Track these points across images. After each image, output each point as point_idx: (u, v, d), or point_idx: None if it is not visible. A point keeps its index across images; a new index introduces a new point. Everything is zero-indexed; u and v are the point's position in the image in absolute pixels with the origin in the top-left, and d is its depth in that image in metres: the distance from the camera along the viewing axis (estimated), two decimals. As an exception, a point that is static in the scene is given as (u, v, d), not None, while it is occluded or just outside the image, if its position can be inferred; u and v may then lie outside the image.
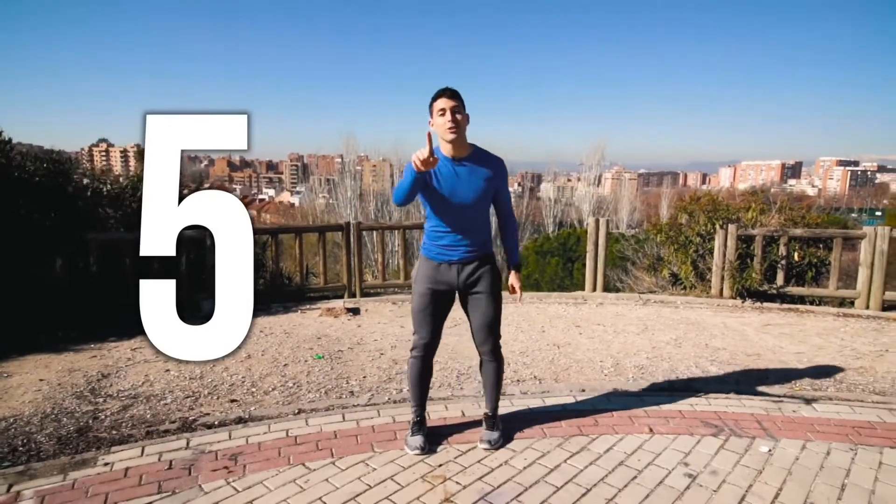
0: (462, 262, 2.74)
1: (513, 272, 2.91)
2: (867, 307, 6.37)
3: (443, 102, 2.56)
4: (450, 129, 2.54)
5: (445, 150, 2.63)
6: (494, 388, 2.96)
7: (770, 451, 2.87)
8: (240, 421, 3.30)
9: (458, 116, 2.56)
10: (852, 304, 6.56)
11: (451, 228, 2.72)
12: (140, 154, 7.95)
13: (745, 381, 4.03)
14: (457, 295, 2.86)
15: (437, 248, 2.76)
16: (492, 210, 2.88)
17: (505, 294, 3.00)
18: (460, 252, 2.73)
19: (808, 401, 3.55)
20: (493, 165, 2.70)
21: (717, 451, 2.86)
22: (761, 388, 3.85)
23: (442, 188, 2.63)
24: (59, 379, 4.07)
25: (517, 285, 2.90)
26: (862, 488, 2.54)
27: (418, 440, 2.87)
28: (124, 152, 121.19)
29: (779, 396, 3.64)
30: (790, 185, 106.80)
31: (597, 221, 7.42)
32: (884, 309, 6.32)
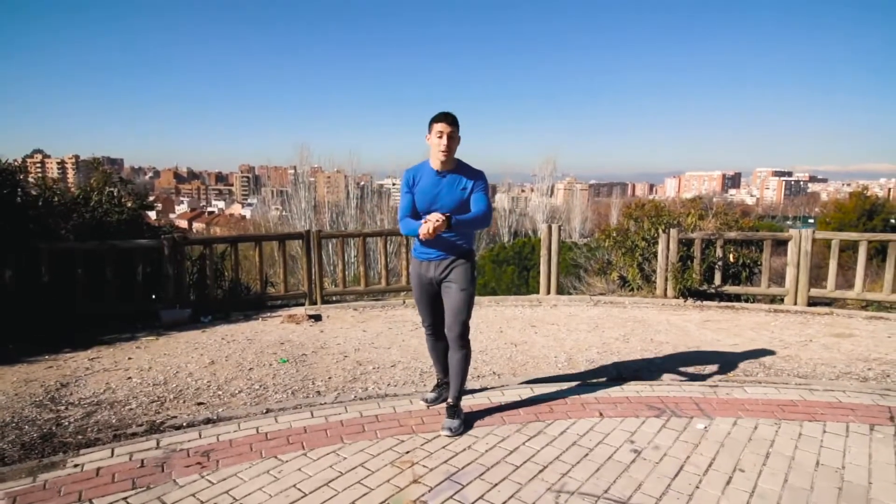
0: (439, 259, 3.13)
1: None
2: (795, 303, 6.95)
3: (442, 126, 2.98)
4: (442, 151, 2.99)
5: (434, 164, 3.08)
6: (458, 375, 3.17)
7: (706, 427, 3.18)
8: (209, 421, 3.36)
9: (452, 141, 3.00)
10: (782, 300, 7.13)
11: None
12: (81, 165, 7.77)
13: (685, 370, 4.38)
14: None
15: (421, 247, 3.17)
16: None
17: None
18: (437, 250, 3.11)
19: (740, 384, 3.91)
20: (472, 177, 3.09)
21: (660, 430, 3.15)
22: (700, 376, 4.20)
23: (426, 196, 3.06)
24: (15, 389, 4.00)
25: (436, 218, 2.88)
26: (784, 455, 2.87)
27: (431, 395, 3.51)
28: (62, 163, 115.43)
29: (715, 382, 4.00)
30: (731, 195, 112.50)
31: (550, 228, 7.77)
32: (809, 304, 6.90)
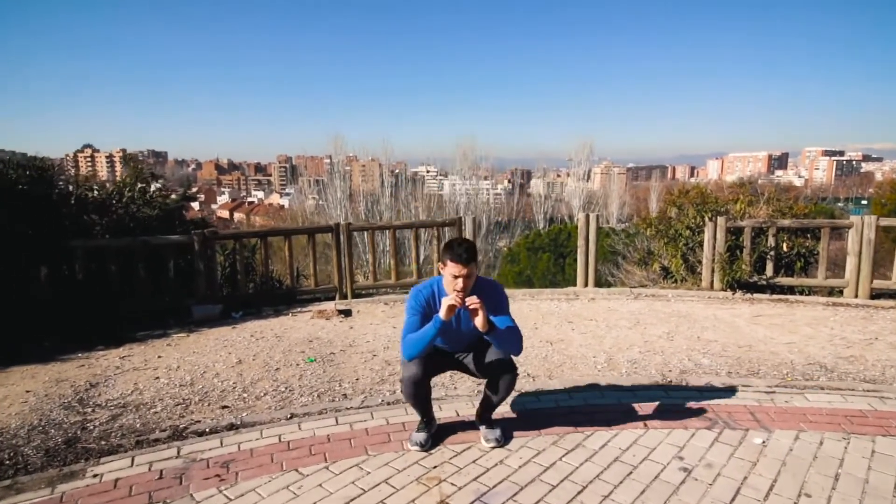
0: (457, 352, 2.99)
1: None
2: (856, 296, 6.43)
3: (456, 270, 2.63)
4: (458, 293, 2.64)
5: (449, 292, 2.71)
6: (501, 402, 2.97)
7: (764, 442, 2.88)
8: (231, 427, 3.26)
9: (468, 281, 2.65)
10: (841, 293, 6.62)
11: (448, 348, 2.96)
12: (126, 159, 7.86)
13: (737, 373, 4.04)
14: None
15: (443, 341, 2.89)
16: None
17: None
18: (463, 346, 2.96)
19: (800, 391, 3.57)
20: (488, 296, 2.73)
21: (712, 445, 2.87)
22: (753, 380, 3.86)
23: (447, 326, 2.69)
24: (45, 390, 4.00)
25: (477, 304, 2.62)
26: (856, 477, 2.55)
27: (420, 436, 2.91)
28: (110, 157, 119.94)
29: (771, 387, 3.66)
30: (777, 176, 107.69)
31: (587, 217, 7.42)
32: (872, 297, 6.37)
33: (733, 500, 2.40)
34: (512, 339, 2.74)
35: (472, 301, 2.58)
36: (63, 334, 5.21)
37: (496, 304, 2.77)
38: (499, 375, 2.84)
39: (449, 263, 2.66)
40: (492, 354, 2.84)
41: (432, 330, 2.64)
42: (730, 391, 3.57)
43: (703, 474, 2.59)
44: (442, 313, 2.62)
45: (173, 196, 7.48)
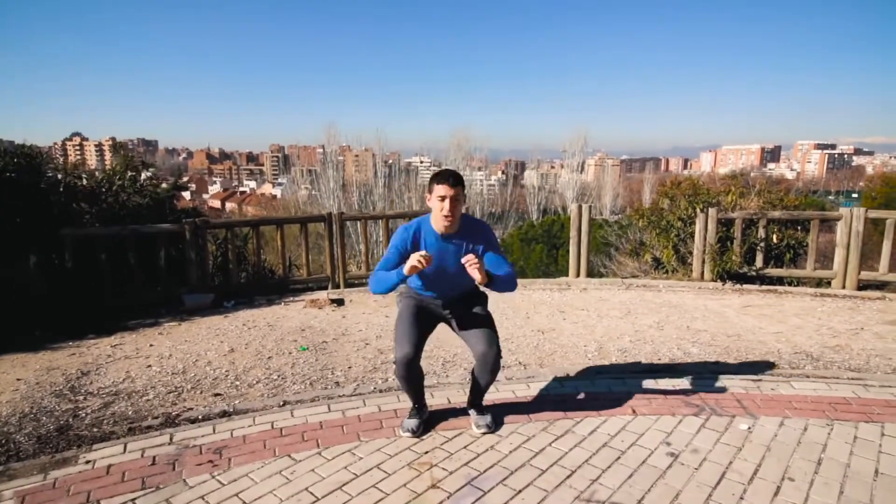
0: (447, 299, 2.93)
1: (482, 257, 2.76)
2: (843, 287, 6.51)
3: (443, 189, 2.64)
4: (445, 216, 2.66)
5: (437, 227, 2.74)
6: (488, 385, 2.98)
7: (749, 428, 2.93)
8: (224, 415, 3.27)
9: (456, 204, 2.66)
10: (829, 284, 6.70)
11: (436, 292, 2.90)
12: (115, 147, 7.77)
13: (725, 362, 4.10)
14: (444, 324, 2.99)
15: (422, 292, 2.93)
16: None
17: None
18: (446, 298, 2.91)
19: (787, 379, 3.63)
20: (478, 234, 2.80)
21: (699, 430, 2.92)
22: (741, 368, 3.92)
23: (431, 265, 2.66)
24: (37, 378, 4.00)
25: (474, 259, 2.58)
26: (838, 462, 2.61)
27: (412, 423, 2.94)
28: (99, 146, 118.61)
29: (758, 375, 3.71)
30: (770, 169, 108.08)
31: (580, 208, 7.45)
32: (859, 288, 6.46)
33: (718, 483, 2.45)
34: (509, 284, 2.76)
35: (469, 260, 2.55)
36: (53, 323, 5.19)
37: (487, 240, 2.80)
38: (482, 352, 2.79)
39: (436, 186, 2.66)
40: (476, 333, 2.82)
41: (395, 278, 2.63)
42: (718, 379, 3.62)
43: (690, 459, 2.64)
44: (406, 268, 2.56)
45: (164, 185, 7.43)
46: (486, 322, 2.88)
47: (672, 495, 2.37)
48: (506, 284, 2.74)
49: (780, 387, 3.48)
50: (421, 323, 2.83)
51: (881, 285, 6.54)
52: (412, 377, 2.82)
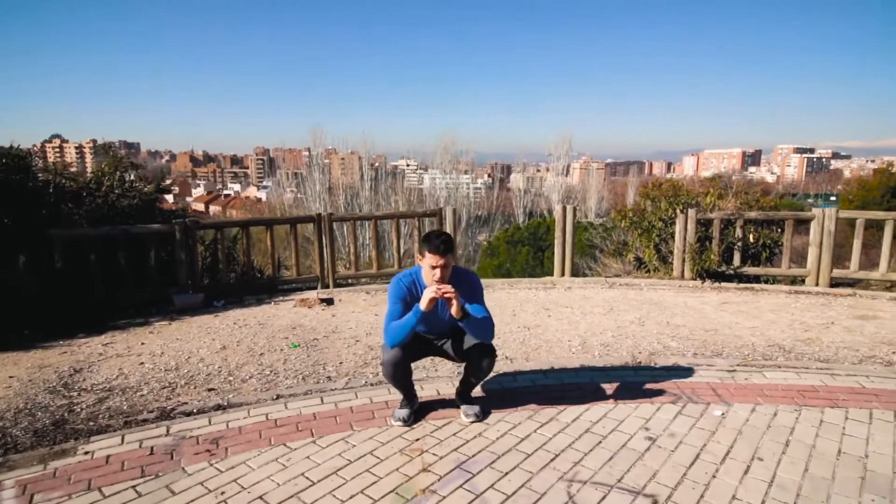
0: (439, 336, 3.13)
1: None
2: (816, 284, 6.76)
3: (434, 260, 2.80)
4: (437, 281, 2.80)
5: (428, 281, 2.89)
6: (480, 382, 3.19)
7: (723, 414, 3.09)
8: (219, 408, 3.35)
9: (446, 271, 2.82)
10: (803, 281, 6.94)
11: (427, 333, 3.10)
12: (104, 148, 7.78)
13: (702, 354, 4.28)
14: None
15: (421, 327, 2.99)
16: None
17: None
18: (440, 333, 3.11)
19: (759, 369, 3.81)
20: (465, 285, 2.92)
21: (675, 417, 3.07)
22: (717, 360, 4.09)
23: (426, 314, 2.82)
24: (29, 375, 4.03)
25: (452, 294, 2.76)
26: (804, 443, 2.78)
27: (403, 412, 3.06)
28: (80, 148, 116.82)
29: (733, 366, 3.89)
30: (751, 173, 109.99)
31: (565, 209, 7.62)
32: (832, 286, 6.70)
33: (693, 463, 2.60)
34: (484, 326, 2.88)
35: (446, 290, 2.73)
36: (43, 323, 5.21)
37: (471, 293, 2.93)
38: (479, 358, 3.00)
39: (427, 255, 2.83)
40: (470, 340, 2.99)
41: (413, 318, 2.79)
42: (694, 370, 3.79)
43: (667, 442, 2.79)
44: (423, 304, 2.76)
45: (146, 188, 7.43)
46: (484, 315, 2.95)
47: (650, 474, 2.51)
48: (480, 327, 2.87)
49: (753, 376, 3.65)
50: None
51: (852, 283, 6.80)
52: (399, 376, 2.96)
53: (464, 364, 3.14)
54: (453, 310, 2.76)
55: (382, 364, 2.95)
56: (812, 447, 2.74)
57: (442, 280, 2.81)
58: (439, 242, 2.82)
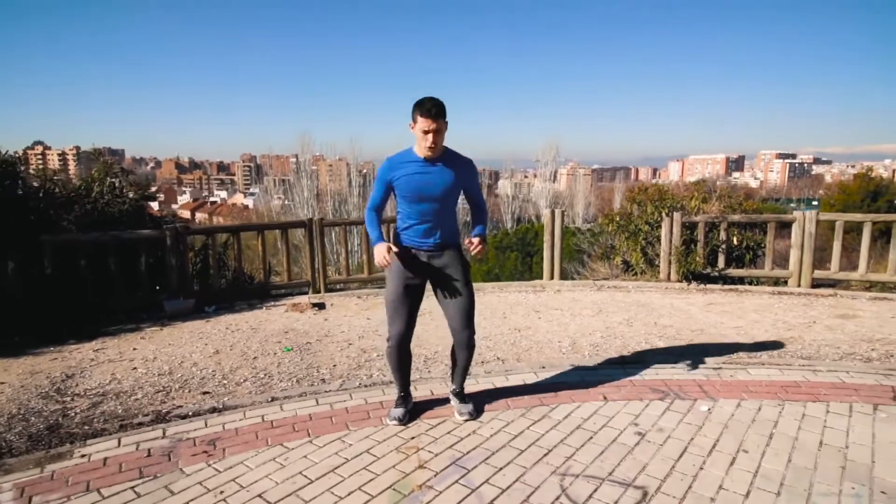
0: (432, 250, 2.96)
1: (475, 237, 2.97)
2: (799, 285, 6.92)
3: (426, 124, 2.73)
4: (428, 147, 2.79)
5: (420, 153, 2.87)
6: (466, 370, 3.20)
7: (709, 409, 3.18)
8: (214, 410, 3.38)
9: (439, 135, 2.77)
10: (786, 283, 7.10)
11: (420, 220, 2.94)
12: (82, 156, 7.74)
13: (689, 353, 4.38)
14: (428, 284, 3.06)
15: (408, 237, 2.97)
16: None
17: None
18: (430, 242, 2.95)
19: (744, 367, 3.91)
20: (461, 166, 2.93)
21: (664, 413, 3.16)
22: (703, 358, 4.19)
23: (414, 184, 2.86)
24: (20, 381, 4.02)
25: (476, 241, 2.91)
26: (787, 436, 2.88)
27: (398, 412, 3.10)
28: (62, 155, 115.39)
29: (718, 364, 3.99)
30: (735, 178, 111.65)
31: (553, 213, 7.73)
32: (813, 286, 6.87)
33: (681, 456, 2.68)
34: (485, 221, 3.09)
35: (476, 248, 2.87)
36: (33, 330, 5.18)
37: (469, 176, 2.97)
38: (458, 331, 3.03)
39: (419, 119, 2.75)
40: (455, 310, 2.99)
41: (373, 240, 2.93)
42: (681, 368, 3.88)
43: (656, 437, 2.87)
44: (376, 258, 2.85)
45: (131, 195, 7.39)
46: (466, 298, 3.00)
47: (640, 467, 2.59)
48: (482, 223, 3.06)
49: (738, 373, 3.76)
50: (410, 300, 2.99)
51: (833, 283, 6.98)
52: (403, 356, 3.05)
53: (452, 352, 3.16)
54: (477, 250, 2.86)
55: (388, 339, 3.04)
56: (795, 439, 2.84)
57: (435, 145, 2.77)
58: (431, 105, 2.73)
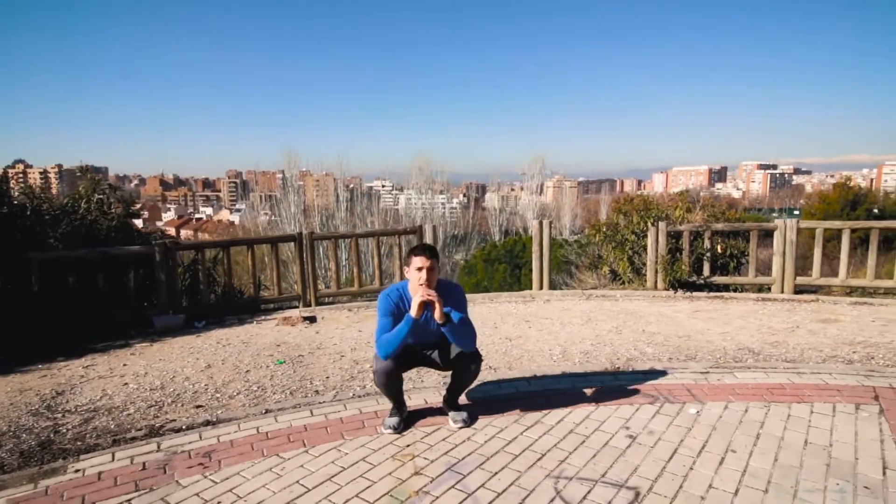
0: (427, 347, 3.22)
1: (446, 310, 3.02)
2: (782, 291, 7.07)
3: (420, 262, 2.98)
4: (423, 284, 2.96)
5: (414, 289, 3.04)
6: (466, 386, 3.33)
7: (698, 412, 3.25)
8: (208, 423, 3.37)
9: (432, 273, 2.98)
10: (769, 289, 7.25)
11: (416, 344, 3.18)
12: (83, 171, 7.72)
13: (677, 358, 4.46)
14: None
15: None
16: None
17: None
18: (430, 342, 3.20)
19: (730, 370, 4.00)
20: (451, 298, 3.06)
21: (654, 416, 3.22)
22: (691, 363, 4.28)
23: (416, 326, 2.98)
24: (10, 399, 3.98)
25: (435, 296, 2.95)
26: (773, 436, 2.95)
27: (393, 420, 3.14)
28: (44, 173, 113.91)
29: (706, 369, 4.07)
30: (717, 189, 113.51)
31: (541, 224, 7.84)
32: (796, 292, 7.02)
33: (671, 457, 2.74)
34: (466, 332, 3.04)
35: (429, 293, 2.92)
36: (20, 347, 5.14)
37: (455, 301, 3.08)
38: (466, 363, 3.13)
39: (414, 259, 3.02)
40: (456, 348, 3.12)
41: (405, 327, 2.93)
42: (670, 373, 3.96)
43: (646, 439, 2.93)
44: (413, 311, 2.92)
45: (118, 211, 7.36)
46: (466, 322, 3.10)
47: (631, 469, 2.65)
48: (462, 332, 3.03)
49: (725, 377, 3.84)
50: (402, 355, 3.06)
51: (815, 289, 7.14)
52: (392, 385, 3.10)
53: (450, 373, 3.25)
54: (436, 314, 2.92)
55: (375, 373, 3.06)
56: (781, 439, 2.91)
57: (429, 283, 2.97)
58: (425, 247, 3.08)
